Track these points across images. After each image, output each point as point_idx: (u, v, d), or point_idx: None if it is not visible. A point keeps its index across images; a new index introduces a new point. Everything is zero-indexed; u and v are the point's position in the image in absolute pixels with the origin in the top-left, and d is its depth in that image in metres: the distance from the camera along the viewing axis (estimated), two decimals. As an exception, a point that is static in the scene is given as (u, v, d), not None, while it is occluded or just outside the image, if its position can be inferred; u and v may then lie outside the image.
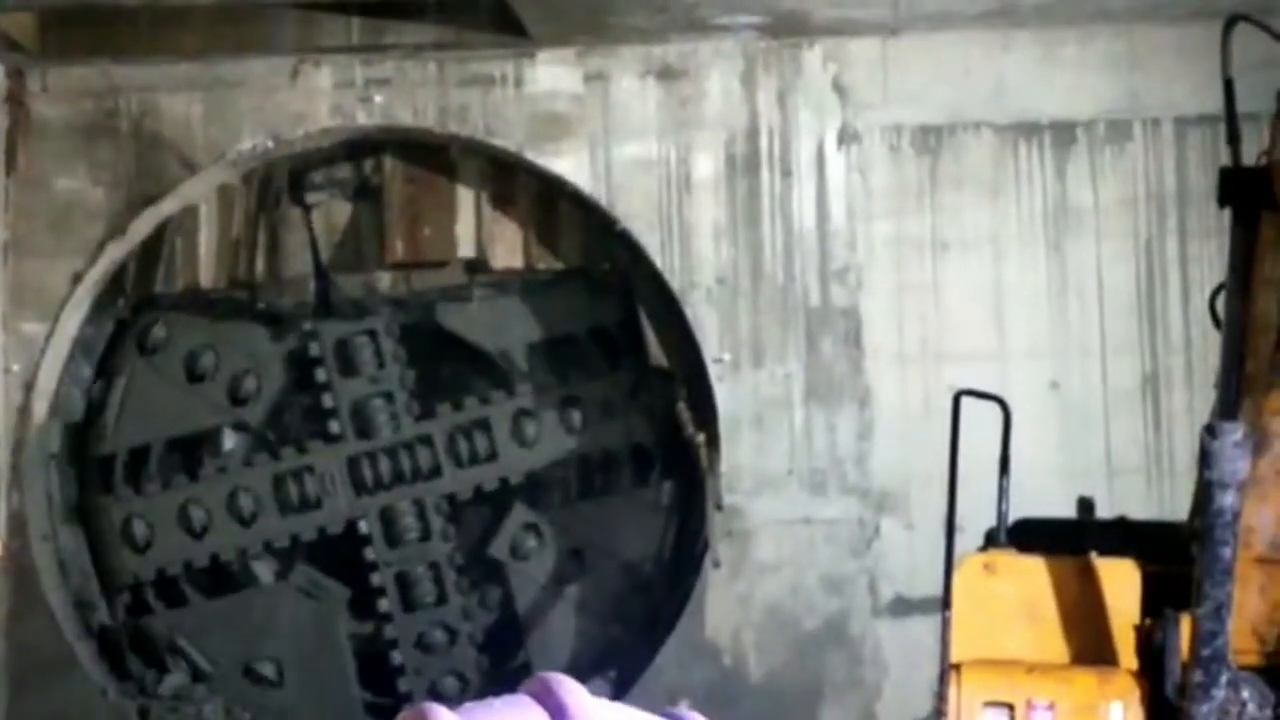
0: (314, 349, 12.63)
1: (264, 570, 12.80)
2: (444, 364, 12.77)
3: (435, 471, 12.56)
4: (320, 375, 12.61)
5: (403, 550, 12.57)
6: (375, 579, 12.58)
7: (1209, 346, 11.26)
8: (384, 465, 12.58)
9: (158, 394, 12.70)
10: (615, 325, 12.52)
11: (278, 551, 12.72)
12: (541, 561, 12.55)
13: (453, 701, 12.43)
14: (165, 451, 12.79)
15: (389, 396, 12.61)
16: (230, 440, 12.81)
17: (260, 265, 12.60)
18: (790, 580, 11.74)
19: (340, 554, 12.69)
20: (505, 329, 12.59)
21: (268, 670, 12.62)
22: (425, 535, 12.60)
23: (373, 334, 12.63)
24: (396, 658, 12.54)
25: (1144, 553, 7.42)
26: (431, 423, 12.59)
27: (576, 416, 12.52)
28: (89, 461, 12.74)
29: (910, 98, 11.90)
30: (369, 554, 12.57)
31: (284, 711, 12.60)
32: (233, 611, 12.72)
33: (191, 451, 12.82)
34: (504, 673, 12.47)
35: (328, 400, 12.62)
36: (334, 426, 12.61)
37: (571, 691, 3.40)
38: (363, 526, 12.58)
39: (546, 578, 12.53)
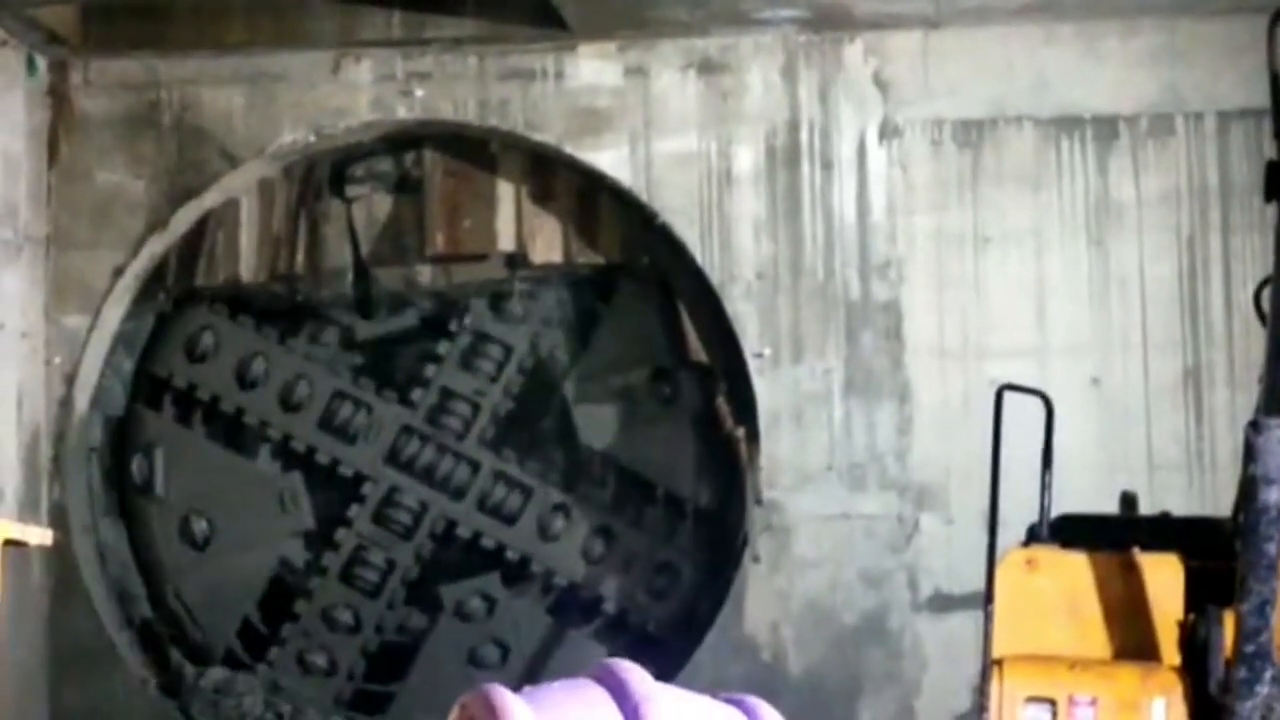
0: (454, 325, 12.65)
1: (265, 455, 12.87)
2: (542, 416, 12.78)
3: (458, 495, 12.59)
4: (441, 349, 12.65)
5: (378, 532, 12.63)
6: (338, 535, 12.62)
7: (1251, 341, 11.21)
8: (425, 455, 12.62)
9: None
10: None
11: (289, 450, 12.75)
12: (472, 633, 12.57)
13: (308, 677, 12.38)
14: (271, 306, 12.83)
15: (476, 409, 12.63)
16: (331, 337, 12.85)
17: (300, 259, 12.63)
18: (829, 575, 11.72)
19: (333, 491, 12.74)
20: (609, 439, 12.57)
21: (198, 528, 12.68)
22: (407, 535, 12.63)
23: (508, 352, 12.64)
24: (299, 607, 12.60)
25: (1187, 548, 7.38)
26: (489, 455, 12.62)
27: (598, 547, 12.52)
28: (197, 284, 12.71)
29: (951, 91, 11.87)
30: (351, 511, 12.62)
31: (179, 573, 12.66)
32: (213, 460, 12.78)
33: (294, 320, 12.85)
34: (367, 691, 12.56)
35: (429, 371, 12.66)
36: (415, 394, 12.65)
37: (632, 672, 3.40)
38: (366, 488, 12.62)
39: (466, 649, 12.56)
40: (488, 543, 12.55)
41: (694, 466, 12.46)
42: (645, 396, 12.55)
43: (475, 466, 12.62)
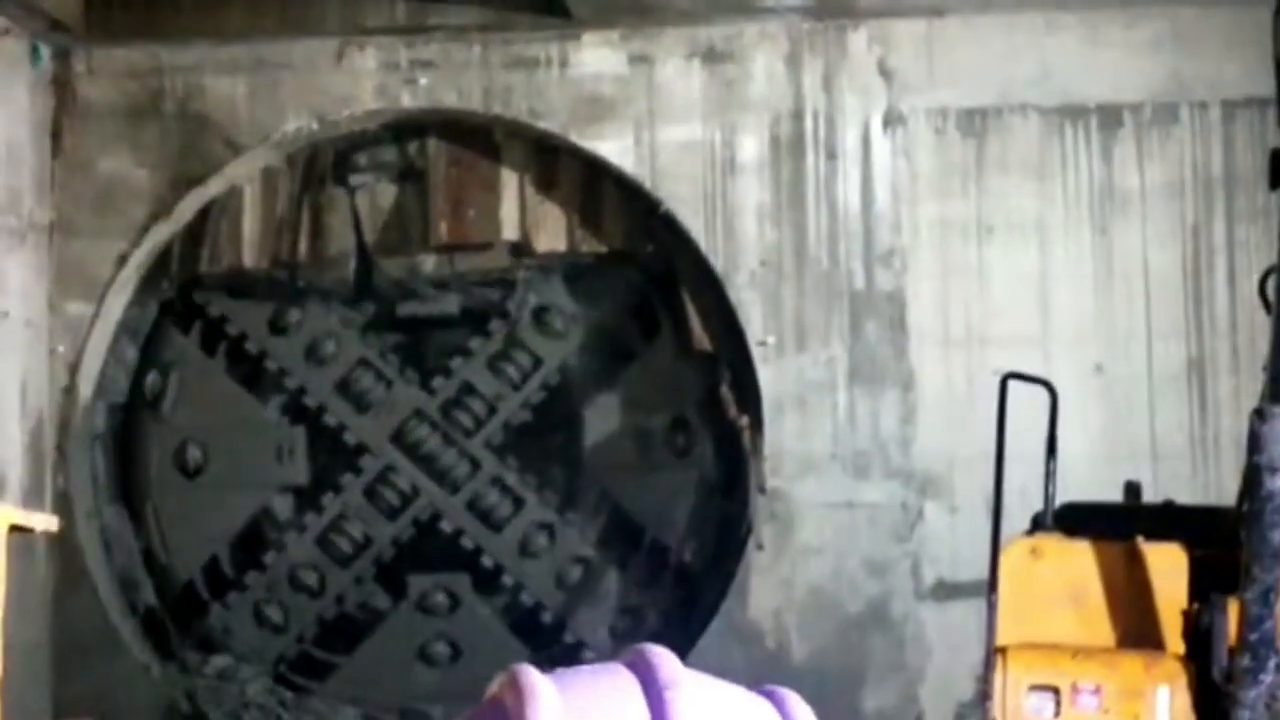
0: (494, 326, 12.61)
1: (276, 403, 12.86)
2: (553, 435, 12.78)
3: (452, 489, 12.61)
4: (474, 344, 12.63)
5: (365, 506, 12.66)
6: (325, 498, 12.65)
7: (1255, 330, 11.22)
8: (430, 443, 12.62)
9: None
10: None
11: (301, 404, 12.75)
12: (428, 627, 12.55)
13: (260, 629, 12.35)
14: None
15: (491, 411, 12.63)
16: (369, 310, 12.85)
17: (304, 247, 12.62)
18: (833, 563, 11.73)
19: (332, 455, 12.77)
20: (613, 474, 12.53)
21: (193, 456, 12.71)
22: (391, 516, 12.66)
23: (538, 364, 12.61)
24: (269, 559, 12.64)
25: (1191, 537, 7.39)
26: (492, 458, 12.61)
27: (574, 576, 12.52)
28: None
29: (956, 80, 11.86)
30: (344, 479, 12.65)
31: (163, 495, 12.66)
32: (225, 395, 12.75)
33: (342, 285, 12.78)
34: (311, 656, 12.66)
35: (455, 362, 12.64)
36: (436, 382, 12.65)
37: (663, 658, 3.38)
38: (365, 460, 12.64)
39: (418, 641, 12.55)
40: (467, 543, 12.55)
41: (689, 524, 12.44)
42: (660, 443, 12.50)
43: (476, 466, 12.61)
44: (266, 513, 12.81)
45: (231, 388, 12.81)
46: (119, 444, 12.80)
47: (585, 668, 3.46)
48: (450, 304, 12.78)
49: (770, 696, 3.55)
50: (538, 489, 12.61)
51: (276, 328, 12.74)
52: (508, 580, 12.54)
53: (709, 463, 12.43)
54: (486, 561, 12.53)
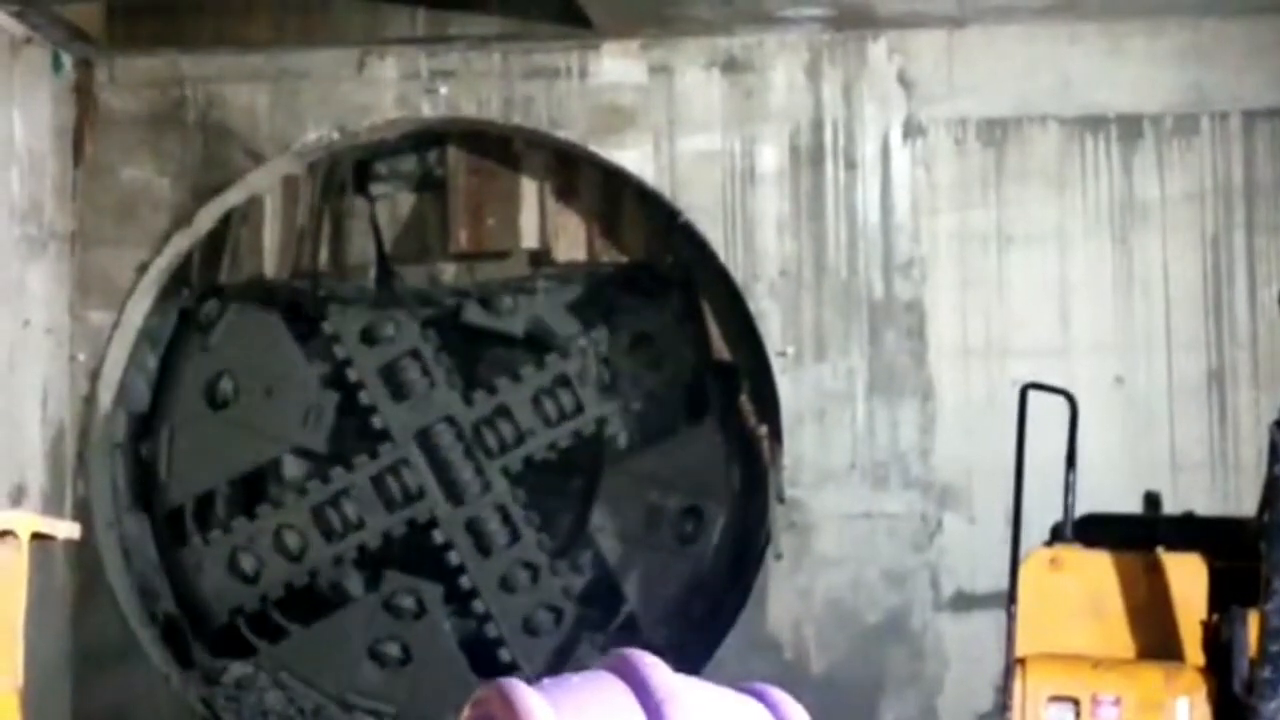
0: (550, 360, 12.55)
1: (319, 366, 12.85)
2: (570, 482, 12.77)
3: (458, 503, 12.60)
4: (524, 371, 12.58)
5: (369, 491, 12.64)
6: (334, 472, 12.66)
7: (1275, 341, 11.23)
8: (450, 452, 12.61)
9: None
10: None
11: (341, 373, 12.73)
12: (387, 625, 12.55)
13: (230, 574, 12.41)
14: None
15: (519, 440, 12.60)
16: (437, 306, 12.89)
17: (324, 256, 12.65)
18: (852, 574, 11.72)
19: (355, 431, 12.79)
20: (613, 537, 12.52)
21: (223, 388, 12.70)
22: (390, 509, 12.63)
23: (579, 410, 12.54)
24: (261, 510, 12.65)
25: (1210, 548, 7.39)
26: (504, 485, 12.61)
27: (544, 624, 12.52)
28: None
29: (976, 90, 11.85)
30: (358, 459, 12.67)
31: (182, 420, 12.71)
32: (274, 341, 12.80)
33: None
34: (268, 617, 12.67)
35: (501, 383, 12.57)
36: (477, 395, 12.64)
37: (654, 666, 3.35)
38: (384, 447, 12.65)
39: (373, 635, 12.54)
40: (453, 558, 12.54)
41: (673, 606, 12.40)
42: (668, 524, 12.46)
43: (486, 488, 12.61)
44: (274, 466, 12.84)
45: (282, 338, 12.82)
46: (161, 366, 12.85)
47: (573, 678, 3.38)
48: (516, 324, 12.75)
49: (763, 698, 3.53)
50: (537, 529, 12.59)
51: (342, 295, 12.76)
52: (479, 606, 12.53)
53: (710, 557, 12.40)
54: (465, 582, 12.52)
